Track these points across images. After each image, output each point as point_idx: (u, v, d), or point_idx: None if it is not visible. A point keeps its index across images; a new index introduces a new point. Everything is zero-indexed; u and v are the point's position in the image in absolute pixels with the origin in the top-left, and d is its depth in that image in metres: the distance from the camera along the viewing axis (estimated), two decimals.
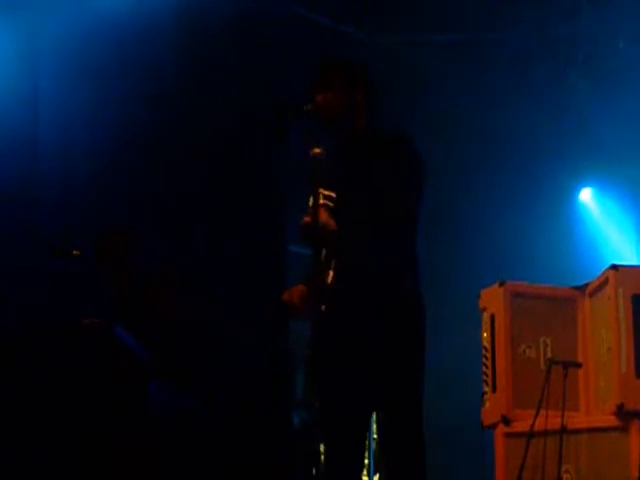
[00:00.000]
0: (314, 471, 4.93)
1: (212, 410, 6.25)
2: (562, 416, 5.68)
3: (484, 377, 6.29)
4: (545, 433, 5.69)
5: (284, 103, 4.55)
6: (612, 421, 5.67)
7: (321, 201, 4.25)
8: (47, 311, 6.62)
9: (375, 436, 7.02)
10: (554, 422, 5.69)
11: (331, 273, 4.34)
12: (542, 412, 5.70)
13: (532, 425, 5.71)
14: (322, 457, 4.68)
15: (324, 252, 4.45)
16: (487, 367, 6.26)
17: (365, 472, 7.05)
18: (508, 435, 6.06)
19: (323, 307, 4.28)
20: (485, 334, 6.33)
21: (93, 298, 6.20)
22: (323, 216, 4.28)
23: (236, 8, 7.90)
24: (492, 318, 6.28)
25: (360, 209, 4.35)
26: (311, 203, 4.27)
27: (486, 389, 6.28)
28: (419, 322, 4.53)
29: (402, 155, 4.49)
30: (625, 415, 5.60)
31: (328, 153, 4.43)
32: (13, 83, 7.27)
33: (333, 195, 4.34)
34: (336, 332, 4.36)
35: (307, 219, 4.28)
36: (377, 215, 4.34)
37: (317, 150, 4.27)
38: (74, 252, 5.91)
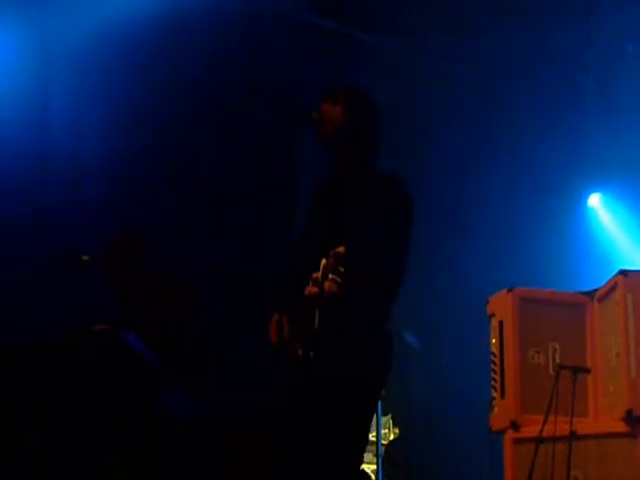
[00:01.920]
0: None
1: (221, 414, 6.26)
2: (571, 422, 5.67)
3: (493, 382, 6.28)
4: (554, 439, 5.67)
5: (291, 108, 4.64)
6: (621, 427, 5.64)
7: (330, 276, 4.26)
8: (56, 317, 6.64)
9: (384, 442, 7.05)
10: (563, 428, 5.68)
11: (317, 314, 4.39)
12: (551, 418, 5.69)
13: (541, 430, 5.70)
14: None
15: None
16: (496, 373, 6.26)
17: (373, 477, 7.05)
18: (517, 440, 6.05)
19: (312, 353, 4.38)
20: (494, 340, 6.32)
21: (101, 302, 6.22)
22: (328, 286, 4.31)
23: (246, 13, 7.93)
24: (500, 324, 6.28)
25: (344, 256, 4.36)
26: (320, 275, 4.31)
27: (495, 394, 6.27)
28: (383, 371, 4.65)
29: (390, 204, 4.56)
30: (634, 420, 5.57)
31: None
32: (24, 84, 7.29)
33: (342, 251, 4.32)
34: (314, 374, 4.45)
35: (313, 289, 4.33)
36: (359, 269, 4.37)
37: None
38: (84, 258, 5.93)
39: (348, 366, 4.49)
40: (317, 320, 4.36)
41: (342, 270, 4.25)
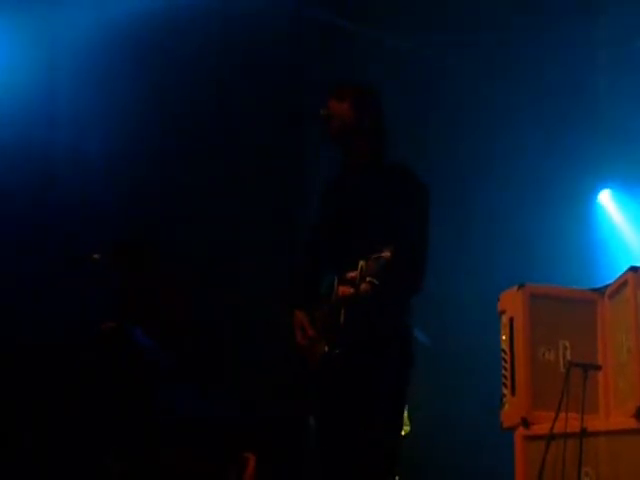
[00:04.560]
0: None
1: (230, 414, 6.27)
2: (581, 418, 5.66)
3: (503, 380, 6.27)
4: (565, 435, 5.65)
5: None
6: (632, 423, 5.61)
7: (368, 278, 4.25)
8: (64, 315, 6.65)
9: None
10: (574, 424, 5.66)
11: (342, 312, 4.40)
12: (561, 415, 5.67)
13: (552, 427, 5.68)
14: None
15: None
16: (506, 370, 6.25)
17: None
18: (527, 438, 6.03)
19: (337, 351, 4.40)
20: (504, 337, 6.31)
21: (110, 301, 6.23)
22: (364, 288, 4.30)
23: (249, 10, 7.92)
24: (511, 321, 6.26)
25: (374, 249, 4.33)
26: (357, 275, 4.29)
27: (505, 392, 6.26)
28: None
29: (411, 191, 4.57)
30: None
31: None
32: (29, 82, 7.30)
33: (388, 255, 4.28)
34: (343, 370, 4.51)
35: (348, 290, 4.31)
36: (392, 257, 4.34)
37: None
38: (94, 256, 5.94)
39: (374, 361, 4.50)
40: (343, 317, 4.38)
41: (382, 273, 4.22)
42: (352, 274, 4.26)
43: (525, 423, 6.04)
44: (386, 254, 4.16)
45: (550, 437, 5.69)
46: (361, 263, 4.23)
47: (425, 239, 4.62)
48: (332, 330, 4.43)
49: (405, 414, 7.06)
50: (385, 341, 4.52)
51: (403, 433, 7.11)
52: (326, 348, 4.47)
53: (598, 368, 5.97)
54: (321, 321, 4.54)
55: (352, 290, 4.28)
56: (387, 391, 4.52)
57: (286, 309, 4.76)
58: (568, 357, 6.09)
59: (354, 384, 4.51)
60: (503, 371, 6.29)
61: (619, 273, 6.01)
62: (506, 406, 6.25)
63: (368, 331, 4.48)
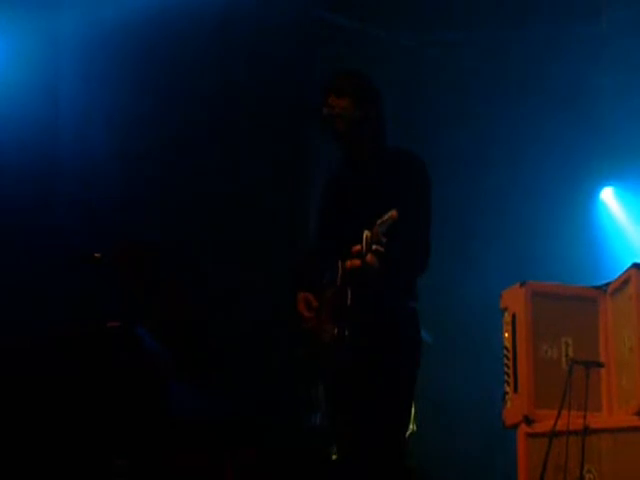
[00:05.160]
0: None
1: (231, 411, 6.27)
2: (584, 416, 5.65)
3: (506, 377, 6.27)
4: (567, 433, 5.65)
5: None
6: (634, 421, 5.63)
7: (374, 247, 4.21)
8: (69, 314, 6.64)
9: None
10: (576, 422, 5.65)
11: (349, 293, 4.37)
12: (564, 412, 5.67)
13: (554, 425, 5.68)
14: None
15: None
16: (509, 367, 6.25)
17: None
18: (530, 435, 6.03)
19: (347, 332, 4.37)
20: (506, 334, 6.31)
21: (114, 299, 6.23)
22: (369, 259, 4.27)
23: (258, 10, 7.93)
24: (513, 318, 6.27)
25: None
26: (363, 246, 4.26)
27: (508, 389, 6.26)
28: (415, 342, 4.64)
29: (418, 180, 4.57)
30: None
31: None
32: (31, 81, 7.29)
33: (394, 213, 4.23)
34: (352, 351, 4.46)
35: (355, 262, 4.29)
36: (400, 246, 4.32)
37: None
38: (96, 255, 5.94)
39: (383, 339, 4.46)
40: (349, 297, 4.34)
41: (388, 235, 4.16)
42: (357, 247, 4.23)
43: (527, 421, 6.04)
44: (392, 213, 4.12)
45: (553, 435, 5.69)
46: (366, 233, 4.19)
47: (427, 238, 4.60)
48: (340, 312, 4.39)
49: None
50: (392, 317, 4.48)
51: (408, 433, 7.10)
52: (335, 330, 4.42)
53: (600, 366, 5.97)
54: (328, 303, 4.50)
55: (359, 262, 4.24)
56: (396, 373, 4.49)
57: (289, 296, 4.74)
58: (570, 354, 6.10)
59: (363, 367, 4.46)
60: (505, 368, 6.29)
61: (622, 270, 6.01)
62: (508, 404, 6.25)
63: (375, 308, 4.44)
